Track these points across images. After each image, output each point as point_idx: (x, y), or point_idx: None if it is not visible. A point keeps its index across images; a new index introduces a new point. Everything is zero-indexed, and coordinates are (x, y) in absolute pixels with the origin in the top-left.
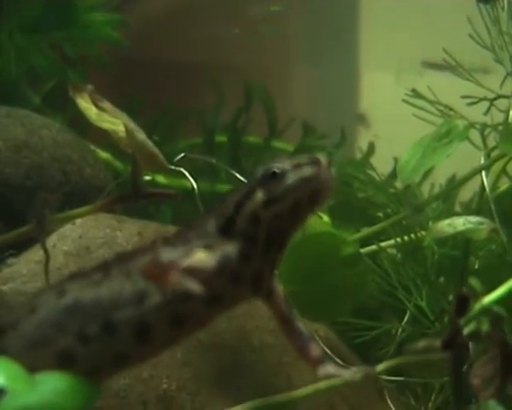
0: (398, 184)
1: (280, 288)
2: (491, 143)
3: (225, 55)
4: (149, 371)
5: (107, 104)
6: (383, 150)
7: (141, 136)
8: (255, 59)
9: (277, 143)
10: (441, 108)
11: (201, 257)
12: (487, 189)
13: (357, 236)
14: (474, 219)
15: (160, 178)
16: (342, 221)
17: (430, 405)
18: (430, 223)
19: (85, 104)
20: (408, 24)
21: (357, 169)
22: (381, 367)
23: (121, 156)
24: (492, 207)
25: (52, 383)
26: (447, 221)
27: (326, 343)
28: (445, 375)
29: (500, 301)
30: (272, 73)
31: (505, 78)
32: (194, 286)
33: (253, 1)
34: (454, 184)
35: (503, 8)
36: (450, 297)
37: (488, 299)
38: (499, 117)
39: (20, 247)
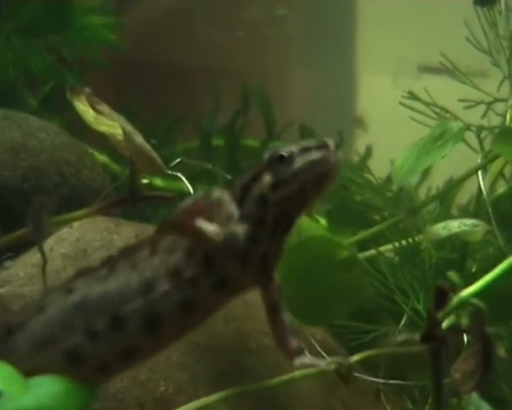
0: (395, 188)
1: (277, 277)
2: (489, 146)
3: (223, 58)
4: (146, 374)
5: (104, 107)
6: (380, 153)
7: (138, 139)
8: (253, 62)
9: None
10: (438, 110)
11: (211, 227)
12: (484, 192)
13: (354, 239)
14: (469, 221)
15: (158, 182)
16: (340, 224)
17: (427, 407)
18: (427, 226)
19: (83, 107)
20: (405, 27)
21: (354, 172)
22: (355, 358)
23: (119, 159)
24: (489, 211)
25: (47, 387)
26: (442, 224)
27: (323, 347)
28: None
29: (480, 294)
30: (270, 75)
31: (502, 81)
32: (213, 230)
33: (252, 4)
34: (450, 186)
35: (500, 12)
36: None
37: (467, 292)
38: (496, 121)
39: (17, 250)
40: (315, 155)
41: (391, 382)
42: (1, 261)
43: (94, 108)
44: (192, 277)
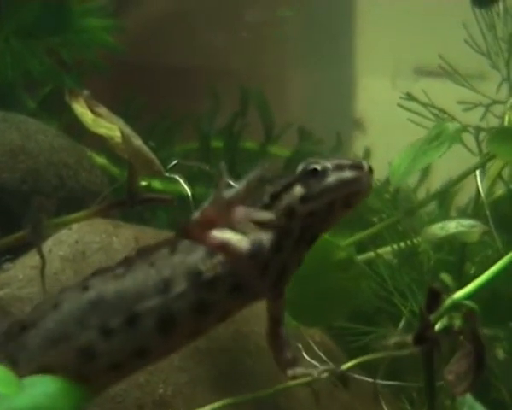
0: (393, 189)
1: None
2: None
3: (222, 60)
4: (145, 377)
5: (103, 109)
6: (379, 155)
7: (137, 141)
8: (252, 64)
9: (273, 148)
10: (436, 112)
11: (236, 237)
12: (482, 194)
13: (352, 240)
14: (466, 221)
15: (157, 184)
16: (338, 226)
17: (425, 409)
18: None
19: (81, 109)
20: (404, 29)
21: None
22: (348, 365)
23: (117, 161)
24: (488, 213)
25: (42, 387)
26: (439, 224)
27: (322, 348)
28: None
29: (472, 296)
30: (269, 77)
31: (501, 83)
32: (238, 239)
33: (250, 6)
34: (448, 185)
35: (498, 14)
36: None
37: (460, 294)
38: (495, 123)
39: (16, 252)
40: (348, 173)
41: (389, 383)
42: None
43: (92, 111)
44: (211, 279)
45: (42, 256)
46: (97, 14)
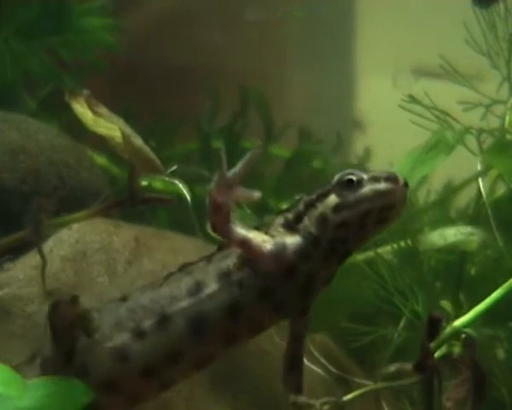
0: None
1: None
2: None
3: (222, 60)
4: None
5: (103, 109)
6: (380, 155)
7: (137, 141)
8: (252, 64)
9: (274, 149)
10: (437, 113)
11: (260, 237)
12: (484, 194)
13: None
14: (465, 229)
15: (157, 184)
16: None
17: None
18: (426, 229)
19: (81, 109)
20: (405, 29)
21: None
22: (349, 396)
23: (118, 161)
24: (489, 213)
25: (43, 388)
26: (438, 232)
27: (322, 349)
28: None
29: (471, 323)
30: (269, 77)
31: (501, 83)
32: (261, 240)
33: (251, 5)
34: (450, 192)
35: (498, 14)
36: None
37: (459, 322)
38: (495, 123)
39: (16, 252)
40: (383, 185)
41: (390, 384)
42: (0, 263)
43: (92, 111)
44: (239, 279)
45: (42, 256)
46: (97, 14)
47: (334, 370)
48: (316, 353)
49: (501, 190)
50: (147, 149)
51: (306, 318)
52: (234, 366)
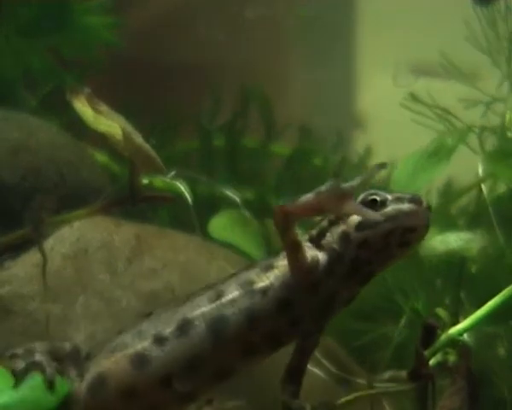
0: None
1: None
2: (488, 147)
3: (223, 57)
4: None
5: (104, 107)
6: (381, 152)
7: (138, 139)
8: (253, 61)
9: (274, 147)
10: (438, 110)
11: (305, 247)
12: (485, 193)
13: None
14: (465, 235)
15: (158, 182)
16: None
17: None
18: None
19: (82, 107)
20: (406, 27)
21: (353, 173)
22: (343, 400)
23: (119, 159)
24: (490, 211)
25: (29, 380)
26: (439, 238)
27: (323, 346)
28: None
29: (466, 331)
30: (270, 75)
31: (502, 81)
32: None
33: (252, 2)
34: (450, 197)
35: (499, 12)
36: (447, 301)
37: (455, 330)
38: (495, 121)
39: (17, 249)
40: (406, 206)
41: (389, 382)
42: (1, 261)
43: (93, 108)
44: (261, 287)
45: (43, 254)
46: (98, 12)
47: (334, 370)
48: (317, 353)
49: (501, 187)
50: (147, 146)
51: (320, 334)
52: None
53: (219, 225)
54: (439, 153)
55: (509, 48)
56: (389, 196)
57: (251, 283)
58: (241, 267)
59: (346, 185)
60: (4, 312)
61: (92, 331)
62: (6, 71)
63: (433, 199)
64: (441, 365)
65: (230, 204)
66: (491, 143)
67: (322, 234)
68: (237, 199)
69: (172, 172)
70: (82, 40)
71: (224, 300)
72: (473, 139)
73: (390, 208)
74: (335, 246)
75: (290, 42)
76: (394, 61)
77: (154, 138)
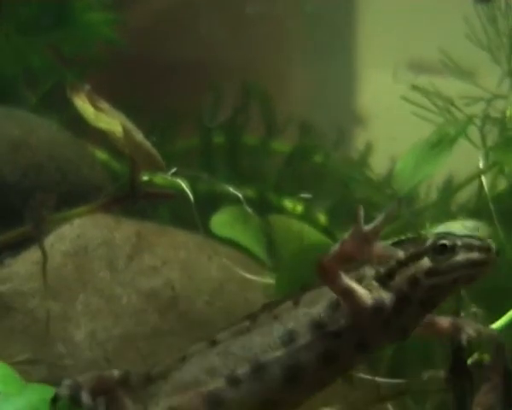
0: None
1: None
2: (490, 141)
3: (223, 54)
4: None
5: (104, 104)
6: (381, 149)
7: (138, 136)
8: (253, 59)
9: (275, 143)
10: (440, 102)
11: (361, 290)
12: (486, 189)
13: None
14: (470, 223)
15: (158, 179)
16: (340, 221)
17: (428, 405)
18: (427, 224)
19: (83, 104)
20: (406, 23)
21: (354, 169)
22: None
23: (119, 157)
24: (491, 207)
25: (39, 392)
26: (443, 227)
27: None
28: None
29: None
30: (270, 72)
31: (502, 78)
32: (364, 293)
33: (252, 0)
34: (451, 191)
35: (499, 9)
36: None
37: (491, 328)
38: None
39: (17, 247)
40: (477, 255)
41: (393, 381)
42: (1, 259)
43: (94, 105)
44: (335, 331)
45: (43, 251)
46: (98, 9)
47: None
48: None
49: (502, 182)
50: (148, 144)
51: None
52: None
53: (221, 221)
54: (440, 144)
55: (510, 45)
56: (459, 242)
57: (323, 325)
58: (301, 292)
59: (367, 228)
60: (5, 309)
61: (92, 329)
62: (6, 68)
63: (434, 194)
64: (477, 363)
65: (231, 201)
66: (491, 137)
67: (390, 275)
68: (240, 195)
69: (173, 170)
70: (82, 37)
71: (297, 345)
72: (474, 132)
73: (460, 258)
74: (404, 288)
75: (291, 39)
76: (395, 58)
77: (155, 136)
